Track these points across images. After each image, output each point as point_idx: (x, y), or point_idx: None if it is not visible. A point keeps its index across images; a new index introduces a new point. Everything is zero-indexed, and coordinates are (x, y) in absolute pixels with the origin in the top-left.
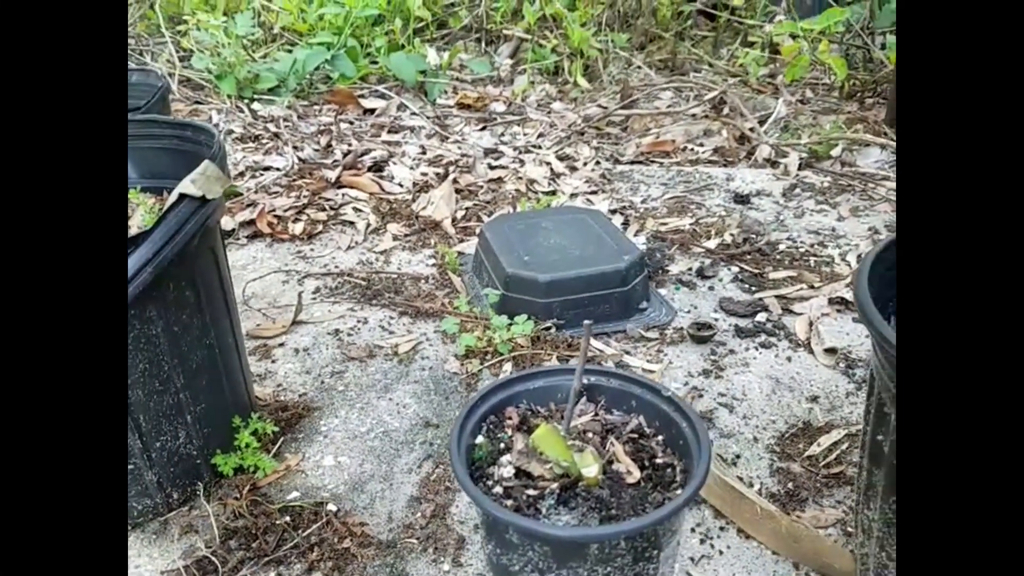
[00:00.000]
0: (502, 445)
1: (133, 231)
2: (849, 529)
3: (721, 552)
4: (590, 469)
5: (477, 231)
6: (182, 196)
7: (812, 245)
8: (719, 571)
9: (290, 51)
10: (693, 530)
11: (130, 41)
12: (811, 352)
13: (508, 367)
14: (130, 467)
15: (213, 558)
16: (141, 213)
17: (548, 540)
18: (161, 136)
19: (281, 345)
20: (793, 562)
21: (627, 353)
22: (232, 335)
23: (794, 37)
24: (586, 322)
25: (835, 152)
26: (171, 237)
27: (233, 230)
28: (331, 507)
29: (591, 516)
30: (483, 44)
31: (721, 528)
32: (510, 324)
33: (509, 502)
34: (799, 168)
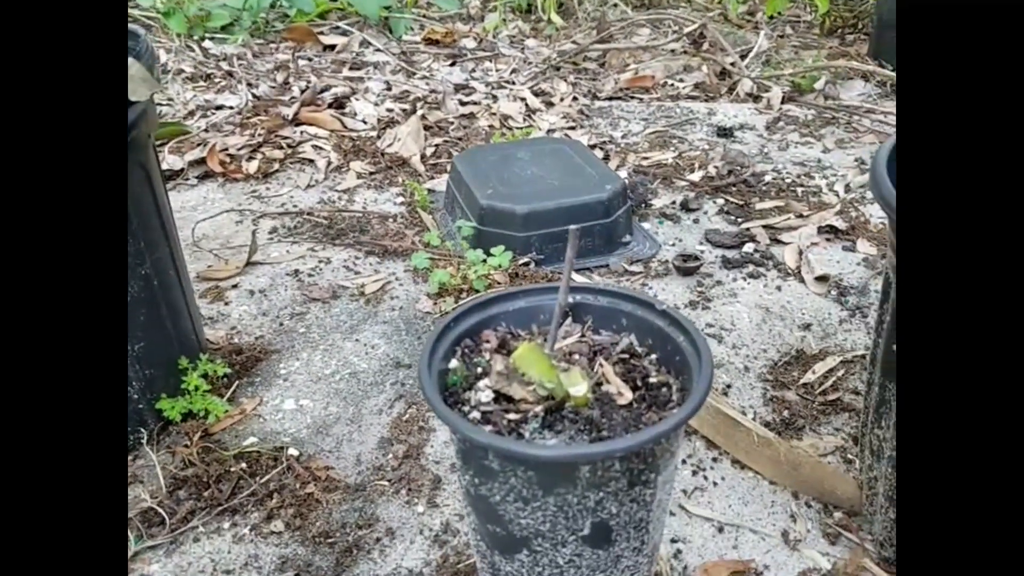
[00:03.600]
0: (479, 370)
1: None
2: (849, 456)
3: (715, 483)
4: (578, 388)
5: (449, 166)
6: None
7: (798, 176)
8: (714, 503)
9: None
10: (684, 462)
11: None
12: (801, 281)
13: None
14: None
15: (160, 509)
16: None
17: (533, 463)
18: None
19: (235, 287)
20: (792, 491)
21: None
22: (174, 268)
23: None
24: (572, 227)
25: (818, 85)
26: None
27: (182, 170)
28: (292, 452)
29: (580, 439)
30: None
31: (714, 459)
32: (485, 258)
33: (488, 427)
34: (782, 102)
